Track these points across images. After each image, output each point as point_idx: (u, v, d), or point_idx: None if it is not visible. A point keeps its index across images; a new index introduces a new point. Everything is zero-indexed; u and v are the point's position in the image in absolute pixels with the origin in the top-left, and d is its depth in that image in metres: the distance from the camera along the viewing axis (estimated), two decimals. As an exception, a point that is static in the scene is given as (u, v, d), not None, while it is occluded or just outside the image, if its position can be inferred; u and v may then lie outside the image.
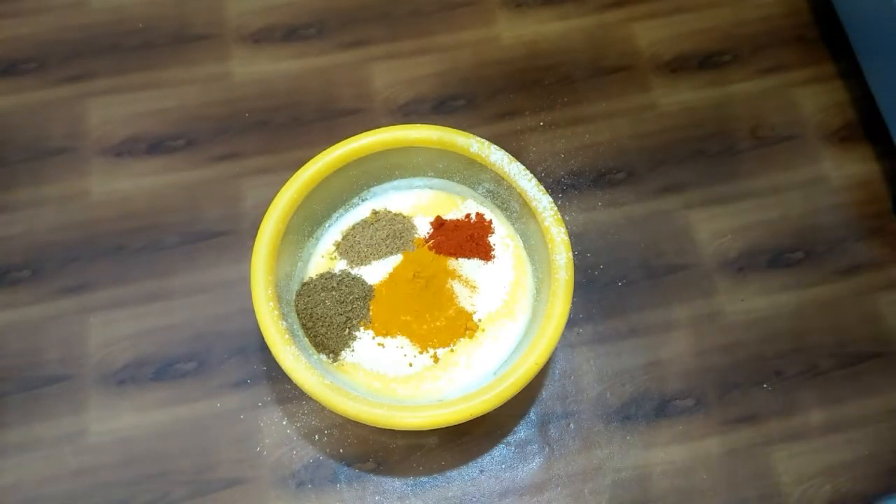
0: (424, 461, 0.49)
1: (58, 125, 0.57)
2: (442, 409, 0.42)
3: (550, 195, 0.47)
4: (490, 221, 0.51)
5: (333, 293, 0.48)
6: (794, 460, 0.50)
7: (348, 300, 0.48)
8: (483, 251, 0.50)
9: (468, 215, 0.51)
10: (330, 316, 0.47)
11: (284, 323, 0.44)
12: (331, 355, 0.47)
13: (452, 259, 0.49)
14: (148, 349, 0.51)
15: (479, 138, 0.48)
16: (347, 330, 0.48)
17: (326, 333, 0.47)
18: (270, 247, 0.45)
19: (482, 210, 0.51)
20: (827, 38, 0.62)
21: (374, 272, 0.49)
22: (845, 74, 0.61)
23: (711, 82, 0.61)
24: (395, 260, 0.49)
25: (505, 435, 0.50)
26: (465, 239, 0.50)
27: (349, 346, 0.47)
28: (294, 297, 0.48)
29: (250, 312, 0.44)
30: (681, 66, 0.61)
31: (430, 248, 0.49)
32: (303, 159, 0.48)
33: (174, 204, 0.55)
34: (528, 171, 0.48)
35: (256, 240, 0.45)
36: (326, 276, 0.49)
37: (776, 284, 0.54)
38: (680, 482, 0.49)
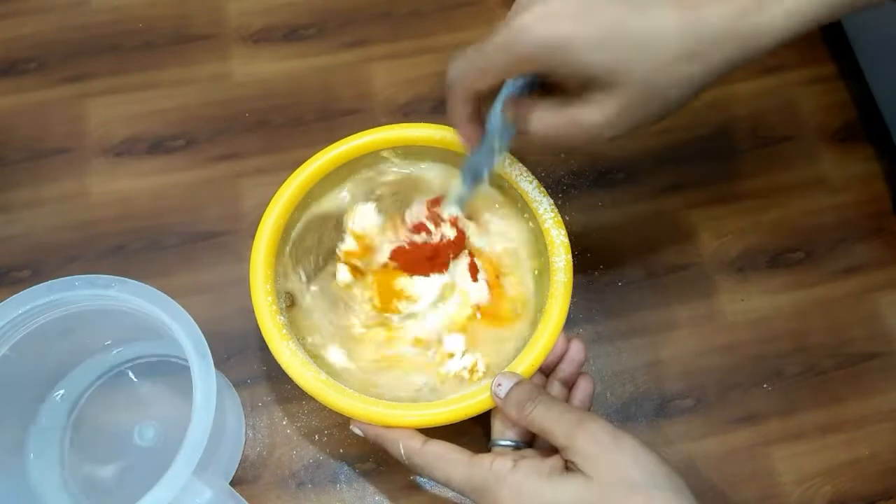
0: (424, 461, 0.49)
1: (58, 125, 0.57)
2: (440, 407, 0.42)
3: (550, 195, 0.47)
4: (460, 235, 0.48)
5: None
6: (794, 460, 0.50)
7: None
8: (439, 265, 0.47)
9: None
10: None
11: (283, 318, 0.44)
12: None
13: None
14: (148, 349, 0.51)
15: (479, 138, 0.48)
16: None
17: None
18: (270, 246, 0.45)
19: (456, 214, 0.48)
20: (827, 38, 0.62)
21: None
22: (845, 74, 0.61)
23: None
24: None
25: (505, 435, 0.50)
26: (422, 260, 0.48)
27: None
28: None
29: (250, 312, 0.44)
30: (681, 66, 0.61)
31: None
32: (303, 159, 0.48)
33: (174, 204, 0.55)
34: (529, 173, 0.47)
35: (256, 239, 0.45)
36: None
37: (776, 284, 0.54)
38: (680, 482, 0.49)
